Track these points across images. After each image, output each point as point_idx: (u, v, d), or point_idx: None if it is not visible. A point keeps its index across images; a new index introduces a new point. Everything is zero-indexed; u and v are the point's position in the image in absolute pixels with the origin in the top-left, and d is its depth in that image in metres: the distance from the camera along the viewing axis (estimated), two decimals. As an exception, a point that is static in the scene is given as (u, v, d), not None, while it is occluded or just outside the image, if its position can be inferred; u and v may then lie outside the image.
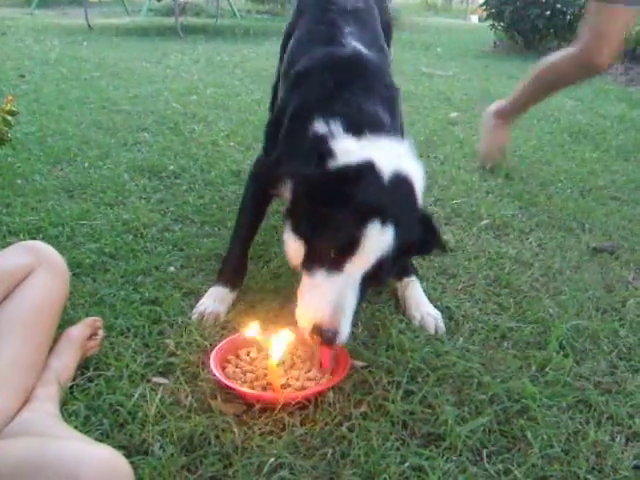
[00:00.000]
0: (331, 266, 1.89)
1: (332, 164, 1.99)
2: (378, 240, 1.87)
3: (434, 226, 2.06)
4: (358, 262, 1.87)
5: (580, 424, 1.88)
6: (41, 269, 1.91)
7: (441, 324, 2.37)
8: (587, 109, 6.68)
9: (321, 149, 2.04)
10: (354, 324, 1.97)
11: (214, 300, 2.40)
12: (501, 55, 10.75)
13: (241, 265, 2.56)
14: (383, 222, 1.87)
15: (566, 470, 1.71)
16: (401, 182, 1.99)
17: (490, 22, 12.36)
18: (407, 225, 1.93)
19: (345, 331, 1.85)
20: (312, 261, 1.95)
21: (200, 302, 2.40)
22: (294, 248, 2.04)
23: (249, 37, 11.52)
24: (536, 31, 11.10)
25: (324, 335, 1.83)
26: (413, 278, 2.54)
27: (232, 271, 2.52)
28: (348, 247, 1.87)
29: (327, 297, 1.87)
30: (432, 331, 2.33)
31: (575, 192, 3.98)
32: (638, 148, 5.01)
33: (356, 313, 1.92)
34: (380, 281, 2.06)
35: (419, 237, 2.00)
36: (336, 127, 2.10)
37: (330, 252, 1.89)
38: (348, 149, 2.02)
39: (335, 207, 1.91)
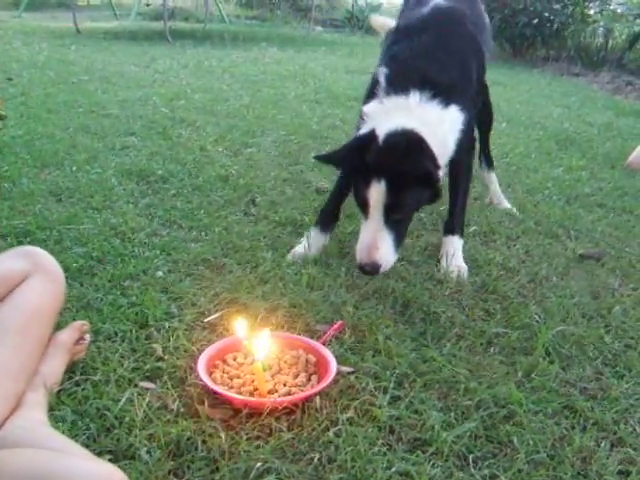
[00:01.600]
0: (364, 216, 2.57)
1: (360, 131, 2.64)
2: (379, 194, 2.47)
3: (427, 177, 2.51)
4: (374, 210, 2.51)
5: (566, 430, 1.89)
6: (37, 275, 1.90)
7: (464, 275, 2.81)
8: (574, 117, 6.71)
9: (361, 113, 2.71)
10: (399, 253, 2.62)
11: (306, 239, 2.95)
12: (489, 62, 10.74)
13: (334, 213, 3.07)
14: (378, 180, 2.46)
15: (552, 475, 1.72)
16: (397, 145, 2.49)
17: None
18: (401, 177, 2.47)
19: (385, 261, 2.52)
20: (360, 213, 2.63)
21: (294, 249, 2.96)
22: None
23: (238, 42, 11.53)
24: (524, 39, 11.16)
25: (365, 270, 2.53)
26: (456, 237, 3.00)
27: (325, 217, 3.05)
28: (364, 203, 2.54)
29: (363, 241, 2.54)
30: (454, 277, 2.77)
31: (562, 199, 4.00)
32: (624, 156, 5.04)
33: (398, 243, 2.57)
34: (401, 213, 2.56)
35: (417, 183, 2.51)
36: (381, 84, 2.67)
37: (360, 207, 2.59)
38: (370, 114, 2.64)
39: (355, 173, 2.61)
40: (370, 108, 2.66)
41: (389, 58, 2.78)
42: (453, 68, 2.71)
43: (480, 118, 3.63)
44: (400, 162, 2.46)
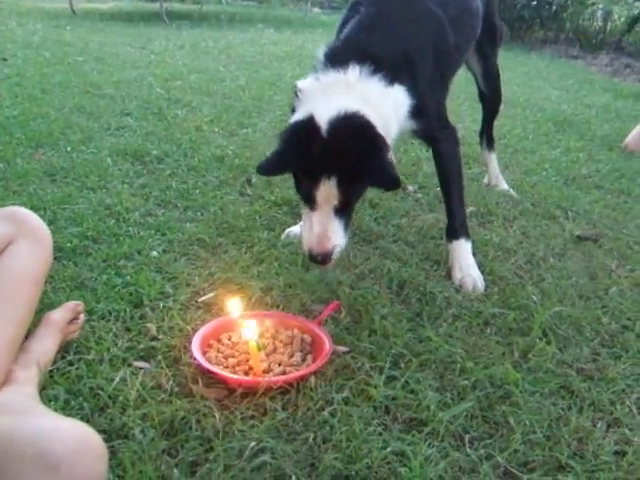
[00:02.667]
0: (311, 208, 2.28)
1: (295, 114, 2.34)
2: (329, 191, 2.21)
3: (379, 164, 2.23)
4: (323, 205, 2.24)
5: (562, 410, 1.88)
6: (22, 238, 1.87)
7: (480, 285, 2.58)
8: (572, 99, 6.69)
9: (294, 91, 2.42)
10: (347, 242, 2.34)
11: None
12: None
13: None
14: (328, 177, 2.19)
15: (548, 455, 1.71)
16: (343, 130, 2.20)
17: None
18: (351, 168, 2.20)
19: (337, 248, 2.26)
20: (302, 203, 2.36)
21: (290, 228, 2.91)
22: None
23: (234, 23, 11.49)
24: (522, 21, 11.12)
25: (316, 260, 2.26)
26: (462, 241, 2.72)
27: None
28: (311, 199, 2.26)
29: (312, 231, 2.27)
30: (469, 290, 2.55)
31: (559, 181, 3.99)
32: (622, 138, 5.03)
33: (347, 227, 2.32)
34: (352, 204, 2.34)
35: (368, 171, 2.21)
36: (318, 59, 2.45)
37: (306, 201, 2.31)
38: (306, 92, 2.36)
39: (297, 167, 2.30)
40: (305, 84, 2.38)
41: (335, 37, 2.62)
42: (400, 43, 2.45)
43: (487, 99, 3.66)
44: (351, 158, 2.20)
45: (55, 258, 2.38)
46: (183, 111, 4.91)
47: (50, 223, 2.74)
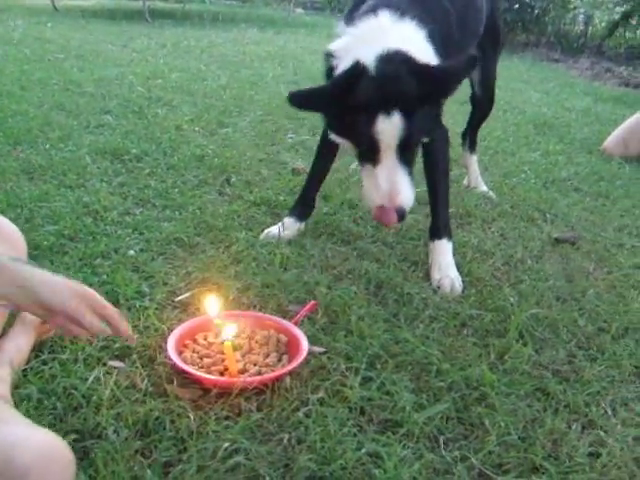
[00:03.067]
0: (373, 160, 2.24)
1: (335, 72, 2.30)
2: (389, 129, 2.16)
3: (440, 72, 2.25)
4: (387, 150, 2.20)
5: (537, 412, 1.89)
6: None
7: (457, 286, 2.56)
8: (553, 102, 6.72)
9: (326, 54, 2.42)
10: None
11: (281, 226, 2.87)
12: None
13: (309, 200, 2.99)
14: (387, 112, 2.14)
15: (522, 457, 1.71)
16: (391, 65, 2.18)
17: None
18: (412, 99, 2.17)
19: (409, 203, 2.26)
20: (360, 159, 2.35)
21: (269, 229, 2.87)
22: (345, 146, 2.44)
23: (217, 22, 11.47)
24: (504, 24, 11.13)
25: (390, 219, 2.25)
26: (443, 241, 2.71)
27: (301, 204, 2.97)
28: (371, 145, 2.20)
29: (381, 188, 2.22)
30: (447, 291, 2.53)
31: (538, 183, 4.00)
32: (601, 141, 5.06)
33: (412, 175, 2.28)
34: (416, 145, 2.33)
35: (431, 88, 2.21)
36: (341, 24, 2.47)
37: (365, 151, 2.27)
38: (341, 49, 2.34)
39: (348, 114, 2.21)
40: (337, 44, 2.38)
41: None
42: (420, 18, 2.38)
43: (479, 102, 3.65)
44: (408, 88, 2.16)
45: (31, 256, 2.36)
46: (163, 110, 4.89)
47: (27, 221, 2.74)
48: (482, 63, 3.34)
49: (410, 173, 2.26)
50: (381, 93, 2.16)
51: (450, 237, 2.74)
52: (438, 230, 2.71)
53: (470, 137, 3.78)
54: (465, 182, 3.85)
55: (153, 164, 3.66)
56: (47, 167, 3.45)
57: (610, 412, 1.93)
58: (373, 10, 2.34)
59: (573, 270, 2.85)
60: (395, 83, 2.17)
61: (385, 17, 2.30)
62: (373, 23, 2.31)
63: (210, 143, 4.13)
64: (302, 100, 2.30)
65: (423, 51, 2.28)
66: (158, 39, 8.68)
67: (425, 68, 2.19)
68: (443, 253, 2.68)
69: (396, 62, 2.19)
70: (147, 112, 4.77)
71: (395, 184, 2.21)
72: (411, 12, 2.34)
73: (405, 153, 2.23)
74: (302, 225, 2.95)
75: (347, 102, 2.18)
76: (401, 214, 2.24)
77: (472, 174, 3.81)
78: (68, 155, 3.67)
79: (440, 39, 2.40)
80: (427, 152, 2.69)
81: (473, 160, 3.81)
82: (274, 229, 2.87)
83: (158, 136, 4.17)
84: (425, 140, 2.45)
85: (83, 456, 1.57)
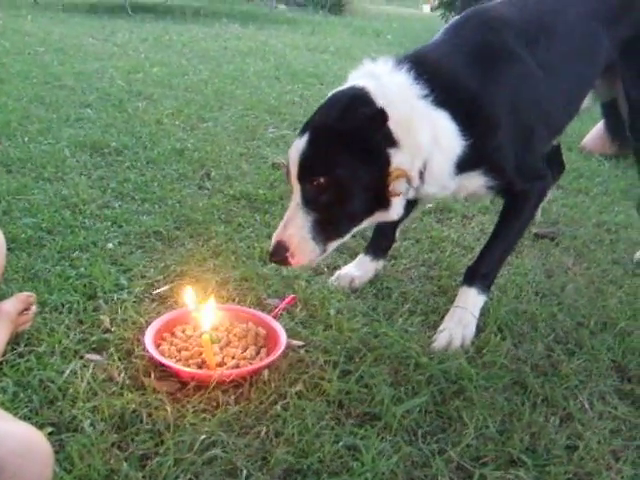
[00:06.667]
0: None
1: None
2: (294, 149, 1.99)
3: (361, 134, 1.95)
4: (293, 177, 1.99)
5: (515, 405, 1.89)
6: None
7: (454, 346, 2.16)
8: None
9: None
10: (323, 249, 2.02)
11: (353, 266, 2.57)
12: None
13: (385, 238, 2.63)
14: (301, 135, 2.00)
15: (500, 450, 1.71)
16: (341, 99, 2.03)
17: (441, 11, 12.45)
18: (322, 126, 1.99)
19: (294, 244, 1.96)
20: None
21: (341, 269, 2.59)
22: None
23: (199, 17, 11.44)
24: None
25: (273, 254, 1.98)
26: (472, 291, 2.30)
27: (376, 242, 2.62)
28: (287, 170, 2.04)
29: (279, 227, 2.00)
30: (438, 346, 2.15)
31: (519, 179, 4.00)
32: (581, 138, 5.06)
33: (323, 233, 1.98)
34: (317, 175, 1.95)
35: (340, 130, 1.96)
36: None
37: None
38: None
39: None
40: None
41: None
42: (470, 82, 2.13)
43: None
44: (329, 115, 2.01)
45: (9, 249, 2.35)
46: (144, 104, 4.87)
47: (4, 214, 2.73)
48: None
49: (317, 224, 1.97)
50: (312, 119, 2.07)
51: (484, 291, 2.31)
52: (473, 275, 2.33)
53: None
54: (637, 254, 3.06)
55: (133, 158, 3.64)
56: (26, 160, 3.43)
57: (587, 406, 1.93)
58: (403, 62, 2.12)
59: (552, 265, 2.86)
60: (322, 110, 2.06)
61: (386, 64, 2.11)
62: (370, 67, 2.14)
63: (190, 137, 4.12)
64: None
65: (402, 111, 1.99)
66: (139, 33, 8.65)
67: (358, 110, 1.96)
68: (465, 303, 2.29)
69: (343, 94, 2.05)
70: (127, 106, 4.75)
71: (286, 223, 1.99)
72: (418, 68, 2.09)
73: (308, 187, 1.96)
74: (377, 264, 2.62)
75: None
76: (279, 256, 1.97)
77: None
78: (47, 148, 3.65)
79: (495, 128, 2.17)
80: (509, 201, 2.36)
81: None
82: (341, 271, 2.58)
83: (138, 130, 4.15)
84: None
85: (59, 449, 1.56)
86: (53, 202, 2.92)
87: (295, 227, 1.96)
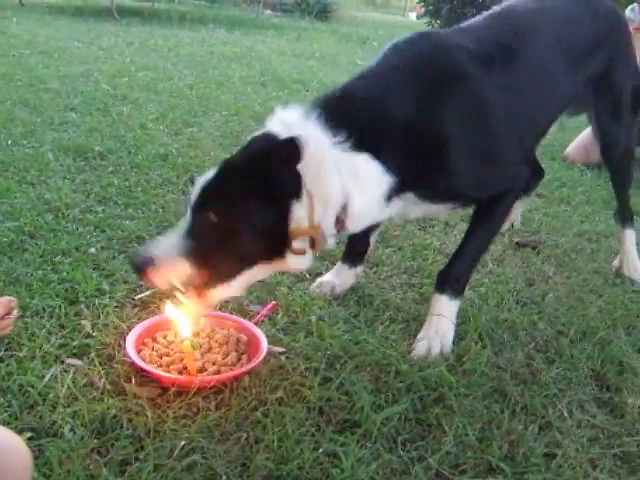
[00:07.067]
0: None
1: None
2: (200, 180, 1.91)
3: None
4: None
5: (495, 413, 1.90)
6: None
7: (434, 353, 2.16)
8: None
9: None
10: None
11: (333, 274, 2.56)
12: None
13: (359, 243, 2.57)
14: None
15: (479, 457, 1.72)
16: (255, 142, 1.96)
17: (427, 19, 12.51)
18: (232, 169, 1.93)
19: (159, 259, 1.82)
20: None
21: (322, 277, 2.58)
22: None
23: (185, 22, 11.42)
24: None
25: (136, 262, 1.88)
26: (444, 297, 2.27)
27: (350, 249, 2.59)
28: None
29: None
30: (417, 354, 2.15)
31: (502, 188, 4.02)
32: (564, 148, 5.10)
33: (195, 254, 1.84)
34: (207, 207, 1.87)
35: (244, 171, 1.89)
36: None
37: None
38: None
39: None
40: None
41: None
42: (409, 107, 2.05)
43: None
44: (240, 154, 1.99)
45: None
46: (128, 108, 4.87)
47: (-14, 217, 2.71)
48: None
49: (199, 250, 1.85)
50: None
51: (456, 297, 2.28)
52: (445, 280, 2.29)
53: (618, 204, 3.09)
54: (615, 262, 3.11)
55: (117, 162, 3.64)
56: (8, 163, 3.41)
57: (566, 414, 1.95)
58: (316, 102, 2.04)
59: (533, 274, 2.88)
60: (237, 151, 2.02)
61: (297, 113, 1.98)
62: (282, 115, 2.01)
63: (175, 142, 4.12)
64: None
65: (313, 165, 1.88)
66: (125, 37, 8.64)
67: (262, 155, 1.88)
68: (440, 311, 2.26)
69: (255, 138, 1.98)
70: (112, 110, 4.74)
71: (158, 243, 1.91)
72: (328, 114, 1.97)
73: (198, 216, 1.88)
74: (355, 272, 2.60)
75: None
76: (142, 265, 1.85)
77: (624, 254, 3.05)
78: (30, 151, 3.64)
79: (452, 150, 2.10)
80: (480, 205, 2.33)
81: (625, 236, 3.05)
82: (326, 278, 2.58)
83: (123, 134, 4.15)
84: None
85: (38, 454, 1.55)
86: (36, 206, 2.91)
87: (168, 245, 1.86)
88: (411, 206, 2.17)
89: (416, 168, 2.05)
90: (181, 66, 6.94)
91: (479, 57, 2.21)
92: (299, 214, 1.89)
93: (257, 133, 2.00)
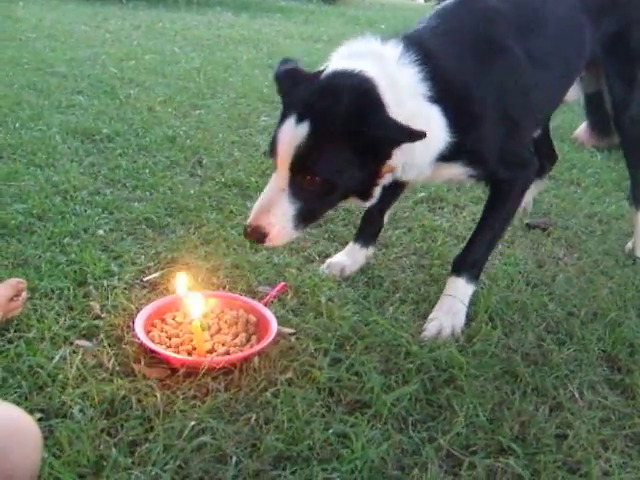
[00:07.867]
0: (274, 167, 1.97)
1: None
2: (292, 138, 1.88)
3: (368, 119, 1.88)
4: (281, 162, 1.91)
5: (506, 394, 1.89)
6: None
7: (445, 334, 2.17)
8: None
9: None
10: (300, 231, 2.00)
11: (344, 254, 2.56)
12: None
13: (373, 224, 2.61)
14: (299, 118, 1.87)
15: (490, 438, 1.71)
16: (349, 92, 1.89)
17: (435, 2, 12.40)
18: (328, 120, 1.88)
19: (274, 230, 1.91)
20: None
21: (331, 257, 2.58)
22: None
23: (192, 5, 11.40)
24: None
25: (246, 232, 1.94)
26: (460, 280, 2.31)
27: (364, 229, 2.60)
28: (272, 148, 1.95)
29: (260, 198, 1.95)
30: (428, 335, 2.15)
31: (511, 169, 4.00)
32: (574, 129, 5.06)
33: (302, 217, 1.94)
34: (313, 172, 1.90)
35: (350, 129, 1.87)
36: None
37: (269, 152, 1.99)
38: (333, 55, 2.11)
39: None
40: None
41: None
42: (462, 74, 2.10)
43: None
44: (335, 108, 1.88)
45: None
46: (136, 91, 4.85)
47: (-5, 200, 2.71)
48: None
49: (299, 209, 1.93)
50: (306, 98, 1.94)
51: (472, 280, 2.33)
52: (461, 265, 2.33)
53: (631, 184, 3.08)
54: (629, 245, 3.09)
55: (124, 144, 3.63)
56: (17, 146, 3.41)
57: (577, 395, 1.94)
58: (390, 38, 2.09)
59: (544, 256, 2.86)
60: (324, 96, 1.93)
61: (396, 51, 2.02)
62: (377, 46, 2.06)
63: (182, 125, 4.10)
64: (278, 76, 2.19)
65: (409, 108, 1.95)
66: (132, 20, 8.62)
67: (372, 109, 1.89)
68: (454, 292, 2.30)
69: (347, 83, 1.92)
70: (119, 93, 4.73)
71: (270, 202, 1.93)
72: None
73: (299, 179, 1.91)
74: (367, 252, 2.60)
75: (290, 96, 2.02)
76: (258, 236, 1.93)
77: (638, 236, 3.03)
78: (38, 134, 3.63)
79: (482, 120, 2.15)
80: (495, 189, 2.36)
81: (639, 218, 3.04)
82: (336, 259, 2.58)
83: (130, 117, 4.14)
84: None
85: (48, 435, 1.55)
86: (44, 188, 2.91)
87: (277, 215, 1.91)
88: (438, 168, 2.18)
89: (459, 133, 2.08)
90: (188, 49, 6.91)
91: (517, 27, 2.27)
92: (396, 159, 1.97)
93: (346, 68, 1.96)
